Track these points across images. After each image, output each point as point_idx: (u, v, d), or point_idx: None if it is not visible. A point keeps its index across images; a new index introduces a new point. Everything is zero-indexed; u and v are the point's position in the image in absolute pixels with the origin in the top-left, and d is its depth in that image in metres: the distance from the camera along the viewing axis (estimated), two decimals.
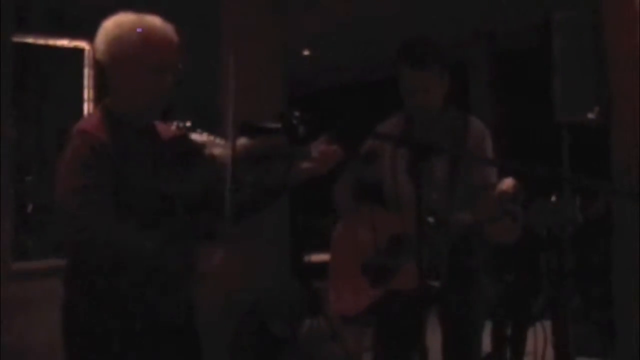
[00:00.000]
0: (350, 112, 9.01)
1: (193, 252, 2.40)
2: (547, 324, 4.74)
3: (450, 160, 3.13)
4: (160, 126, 2.55)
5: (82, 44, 4.96)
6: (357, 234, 3.19)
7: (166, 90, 2.44)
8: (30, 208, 4.85)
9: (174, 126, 2.51)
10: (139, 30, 2.39)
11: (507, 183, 2.94)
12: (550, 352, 4.64)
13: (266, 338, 5.09)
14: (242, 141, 2.36)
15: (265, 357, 5.10)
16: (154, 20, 2.43)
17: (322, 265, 3.57)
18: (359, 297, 3.17)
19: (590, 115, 4.07)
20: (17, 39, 4.76)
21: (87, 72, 4.97)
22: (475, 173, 3.16)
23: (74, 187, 2.27)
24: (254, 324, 5.08)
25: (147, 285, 2.35)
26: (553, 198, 2.90)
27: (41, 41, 4.95)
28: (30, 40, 4.90)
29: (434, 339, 2.80)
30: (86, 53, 4.97)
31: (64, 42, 5.00)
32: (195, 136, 2.49)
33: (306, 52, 9.12)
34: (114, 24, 2.42)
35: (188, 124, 2.49)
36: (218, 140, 2.43)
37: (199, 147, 2.44)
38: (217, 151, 2.39)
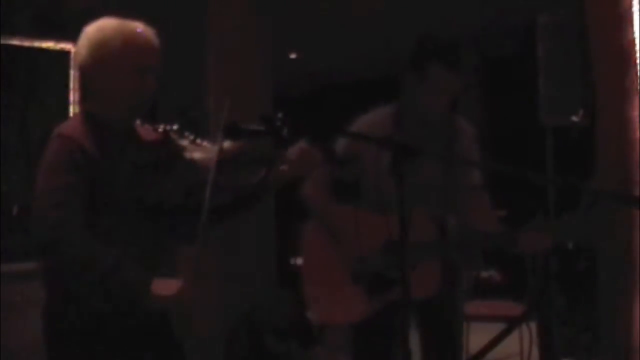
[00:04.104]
0: (336, 115, 9.02)
1: (169, 256, 2.40)
2: (533, 325, 4.76)
3: (442, 161, 3.10)
4: (141, 129, 2.56)
5: (68, 46, 4.95)
6: (339, 236, 3.10)
7: (147, 93, 2.46)
8: (15, 210, 4.84)
9: (160, 129, 2.51)
10: (130, 37, 2.42)
11: None
12: (535, 354, 4.66)
13: (261, 353, 5.01)
14: (223, 144, 2.35)
15: None
16: (136, 25, 2.47)
17: None
18: (352, 306, 3.05)
19: (575, 118, 4.09)
20: (2, 41, 4.75)
21: (72, 75, 4.96)
22: (462, 174, 3.14)
23: (47, 189, 2.29)
24: (246, 337, 5.02)
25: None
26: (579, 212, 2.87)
27: (27, 43, 4.94)
28: (15, 42, 4.89)
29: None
30: (72, 55, 4.96)
31: (49, 45, 4.99)
32: (180, 140, 2.49)
33: (293, 55, 9.12)
34: (95, 28, 2.45)
35: (175, 127, 2.49)
36: (201, 144, 2.42)
37: (179, 150, 2.44)
38: (197, 155, 2.39)
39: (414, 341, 3.20)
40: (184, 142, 2.43)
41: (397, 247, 2.83)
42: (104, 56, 2.41)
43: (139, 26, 2.47)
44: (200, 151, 2.39)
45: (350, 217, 3.00)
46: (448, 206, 3.12)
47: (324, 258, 3.15)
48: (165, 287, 2.29)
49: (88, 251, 2.27)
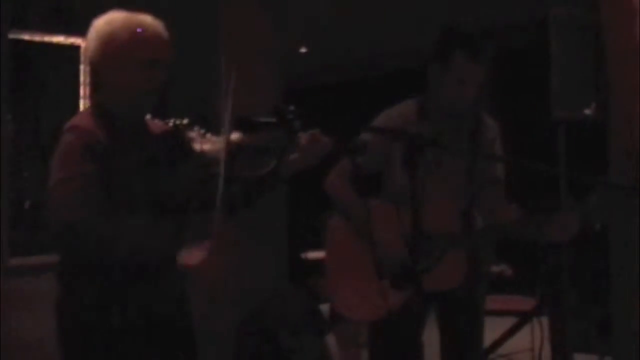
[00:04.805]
0: (346, 109, 9.03)
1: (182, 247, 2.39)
2: (544, 320, 4.74)
3: (466, 154, 3.10)
4: (151, 122, 2.57)
5: (79, 40, 4.96)
6: (363, 228, 3.02)
7: (157, 86, 2.46)
8: (27, 204, 4.85)
9: (170, 124, 2.52)
10: (139, 30, 2.42)
11: None
12: (547, 349, 4.65)
13: (273, 348, 4.99)
14: (234, 135, 2.35)
15: None
16: (144, 18, 2.47)
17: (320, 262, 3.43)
18: (376, 302, 2.93)
19: (587, 112, 4.07)
20: (13, 35, 4.75)
21: (83, 69, 4.97)
22: (485, 167, 3.13)
23: (64, 177, 2.27)
24: (258, 331, 5.00)
25: (139, 279, 2.36)
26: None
27: (37, 38, 4.95)
28: (26, 37, 4.90)
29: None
30: (82, 50, 4.96)
31: (60, 39, 5.00)
32: (190, 134, 2.49)
33: (303, 50, 9.12)
34: (104, 21, 2.46)
35: (185, 121, 2.49)
36: (212, 137, 2.42)
37: (188, 142, 2.44)
38: (206, 146, 2.39)
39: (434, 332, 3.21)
40: (194, 135, 2.43)
41: (421, 240, 2.84)
42: (112, 49, 2.42)
43: (147, 19, 2.47)
44: (211, 144, 2.39)
45: (373, 209, 2.97)
46: (472, 198, 3.11)
47: (347, 252, 3.11)
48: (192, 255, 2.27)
49: (115, 223, 2.24)
